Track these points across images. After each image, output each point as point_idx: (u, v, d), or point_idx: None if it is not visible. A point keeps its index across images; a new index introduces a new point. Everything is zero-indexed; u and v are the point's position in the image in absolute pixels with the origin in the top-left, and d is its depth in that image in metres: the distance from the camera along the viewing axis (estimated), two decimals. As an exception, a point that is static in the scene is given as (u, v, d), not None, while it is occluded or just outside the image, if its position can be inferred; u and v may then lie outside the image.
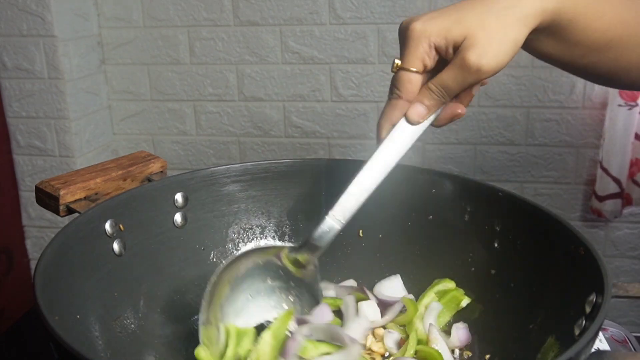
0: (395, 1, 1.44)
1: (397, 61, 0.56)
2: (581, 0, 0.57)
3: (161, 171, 0.74)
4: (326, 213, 0.58)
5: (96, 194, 0.67)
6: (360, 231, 0.73)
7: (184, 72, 1.59)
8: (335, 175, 0.73)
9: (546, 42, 0.59)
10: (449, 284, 0.67)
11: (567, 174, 1.50)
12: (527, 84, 1.44)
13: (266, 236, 0.74)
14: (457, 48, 0.54)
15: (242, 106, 1.59)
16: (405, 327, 0.65)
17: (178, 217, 0.68)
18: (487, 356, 0.61)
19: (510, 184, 1.51)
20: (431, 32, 0.54)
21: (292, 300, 0.63)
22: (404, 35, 0.56)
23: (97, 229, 0.60)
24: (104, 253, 0.61)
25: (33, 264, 1.66)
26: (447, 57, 0.55)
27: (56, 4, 1.43)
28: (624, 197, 1.43)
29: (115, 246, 0.62)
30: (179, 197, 0.68)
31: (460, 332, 0.63)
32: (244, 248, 0.73)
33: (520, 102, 1.46)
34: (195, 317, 0.67)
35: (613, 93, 1.36)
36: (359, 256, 0.73)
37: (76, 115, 1.53)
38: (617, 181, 1.40)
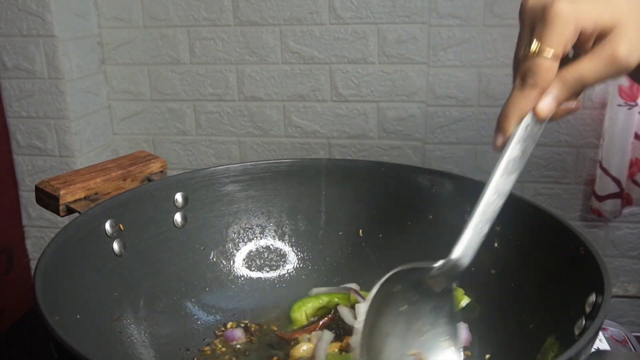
0: (395, 1, 1.44)
1: (536, 44, 0.49)
2: None
3: (161, 171, 0.74)
4: (464, 228, 0.51)
5: (96, 194, 0.67)
6: (361, 231, 0.73)
7: (184, 72, 1.59)
8: (335, 175, 0.73)
9: None
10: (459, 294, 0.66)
11: (567, 174, 1.50)
12: (527, 84, 1.44)
13: (266, 236, 0.74)
14: (602, 36, 0.49)
15: (242, 106, 1.59)
16: None
17: (178, 217, 0.69)
18: (487, 356, 0.61)
19: (510, 184, 1.51)
20: (581, 14, 0.48)
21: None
22: (546, 16, 0.48)
23: (97, 229, 0.60)
24: (104, 253, 0.61)
25: (33, 264, 1.66)
26: (584, 45, 0.50)
27: (56, 4, 1.43)
28: (624, 197, 1.43)
29: (115, 246, 0.62)
30: (179, 197, 0.68)
31: (460, 333, 0.63)
32: (245, 249, 0.73)
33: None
34: (195, 316, 0.68)
35: (613, 93, 1.36)
36: (359, 256, 0.73)
37: (76, 115, 1.53)
38: (616, 181, 1.40)
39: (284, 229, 0.74)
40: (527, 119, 0.51)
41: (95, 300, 0.58)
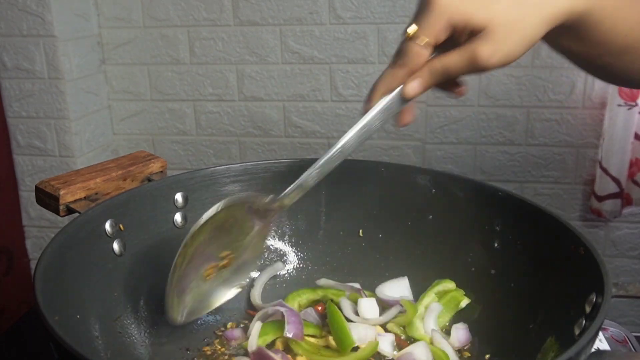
0: (395, 1, 1.44)
1: (412, 28, 0.53)
2: (609, 4, 0.54)
3: (161, 171, 0.74)
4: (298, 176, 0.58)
5: (96, 194, 0.67)
6: (361, 231, 0.73)
7: (184, 72, 1.59)
8: (335, 175, 0.73)
9: (567, 40, 0.57)
10: (449, 285, 0.67)
11: (567, 174, 1.50)
12: (527, 84, 1.44)
13: (266, 236, 0.74)
14: (473, 33, 0.52)
15: (242, 106, 1.59)
16: (405, 328, 0.66)
17: (178, 217, 0.68)
18: (487, 356, 0.61)
19: (510, 184, 1.51)
20: (455, 10, 0.51)
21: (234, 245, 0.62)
22: (427, 5, 0.52)
23: (97, 229, 0.60)
24: (104, 253, 0.61)
25: (33, 264, 1.66)
26: (456, 39, 0.53)
27: (56, 4, 1.43)
28: (624, 197, 1.43)
29: (115, 246, 0.62)
30: (179, 197, 0.68)
31: (460, 333, 0.63)
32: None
33: (520, 102, 1.46)
34: (195, 316, 0.68)
35: (613, 93, 1.36)
36: (359, 256, 0.73)
37: (76, 115, 1.53)
38: (616, 181, 1.40)
39: (284, 229, 0.74)
40: (393, 95, 0.55)
41: (95, 301, 0.58)
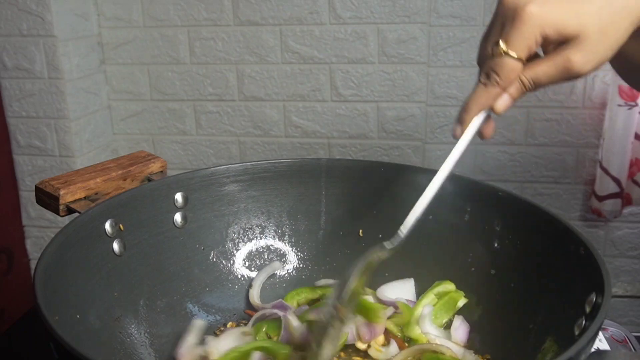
0: (395, 1, 1.44)
1: (503, 45, 0.51)
2: None
3: (161, 171, 0.74)
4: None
5: (96, 194, 0.67)
6: (361, 231, 0.73)
7: (184, 72, 1.59)
8: (335, 175, 0.73)
9: (631, 43, 0.55)
10: (449, 286, 0.67)
11: (567, 174, 1.50)
12: (527, 84, 1.44)
13: (266, 236, 0.74)
14: (563, 41, 0.50)
15: (242, 106, 1.59)
16: (402, 329, 0.65)
17: (178, 217, 0.69)
18: (487, 356, 0.61)
19: (510, 184, 1.51)
20: (548, 21, 0.49)
21: None
22: (515, 17, 0.50)
23: (97, 229, 0.60)
24: (104, 253, 0.61)
25: (33, 264, 1.66)
26: (544, 49, 0.52)
27: (56, 4, 1.43)
28: (624, 197, 1.43)
29: (115, 246, 0.62)
30: (179, 197, 0.68)
31: (459, 330, 0.63)
32: (245, 249, 0.73)
33: (520, 101, 1.45)
34: (195, 316, 0.68)
35: (613, 93, 1.36)
36: (359, 256, 0.73)
37: (76, 115, 1.53)
38: (616, 181, 1.40)
39: (284, 229, 0.74)
40: (484, 113, 0.54)
41: (95, 300, 0.58)
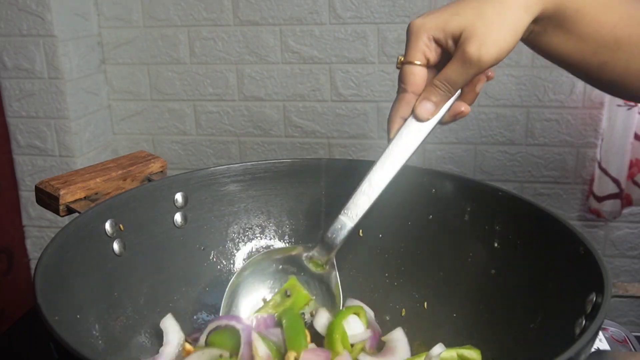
0: (395, 1, 1.44)
1: (401, 56, 0.57)
2: None
3: (161, 171, 0.74)
4: (339, 212, 0.60)
5: (96, 194, 0.67)
6: (361, 231, 0.73)
7: (184, 72, 1.59)
8: (335, 175, 0.73)
9: (555, 36, 0.59)
10: (475, 355, 0.59)
11: (567, 174, 1.50)
12: (527, 84, 1.44)
13: (266, 236, 0.74)
14: (457, 41, 0.55)
15: (242, 106, 1.59)
16: None
17: (178, 217, 0.68)
18: (487, 356, 0.61)
19: (510, 184, 1.51)
20: (429, 26, 0.56)
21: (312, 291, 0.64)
22: (407, 33, 0.58)
23: (97, 229, 0.60)
24: (104, 253, 0.61)
25: (33, 264, 1.66)
26: (449, 51, 0.56)
27: (56, 4, 1.43)
28: (624, 198, 1.43)
29: (115, 246, 0.62)
30: (179, 197, 0.68)
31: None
32: (245, 249, 0.73)
33: (520, 102, 1.46)
34: (195, 316, 0.68)
35: (613, 93, 1.36)
36: (359, 256, 0.73)
37: (76, 115, 1.53)
38: (616, 181, 1.40)
39: (284, 229, 0.74)
40: (412, 121, 0.58)
41: (95, 301, 0.58)
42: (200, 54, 1.56)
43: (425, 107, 0.57)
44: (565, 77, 1.42)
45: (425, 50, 0.56)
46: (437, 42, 0.56)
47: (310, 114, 1.56)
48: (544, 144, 1.48)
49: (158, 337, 0.63)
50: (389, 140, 0.59)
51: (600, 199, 1.43)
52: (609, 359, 0.49)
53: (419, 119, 0.58)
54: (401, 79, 0.58)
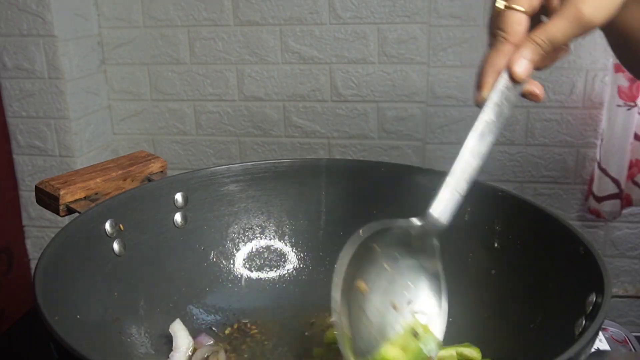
0: (395, 1, 1.44)
1: (501, 2, 0.50)
2: None
3: (161, 171, 0.74)
4: (440, 186, 0.53)
5: (96, 194, 0.67)
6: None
7: (184, 72, 1.59)
8: (335, 175, 0.73)
9: (632, 10, 0.56)
10: (475, 353, 0.60)
11: (567, 174, 1.50)
12: (527, 84, 1.44)
13: (266, 236, 0.74)
14: None
15: (242, 106, 1.59)
16: None
17: (178, 217, 0.68)
18: (487, 357, 0.61)
19: (510, 184, 1.51)
20: None
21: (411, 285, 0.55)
22: None
23: (97, 229, 0.60)
24: (104, 253, 0.61)
25: (33, 264, 1.66)
26: (549, 4, 0.51)
27: (56, 4, 1.43)
28: (623, 198, 1.43)
29: (115, 246, 0.62)
30: (179, 197, 0.68)
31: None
32: (245, 249, 0.72)
33: (520, 102, 1.46)
34: (195, 316, 0.68)
35: (612, 94, 1.36)
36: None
37: (76, 115, 1.53)
38: (615, 182, 1.40)
39: (284, 229, 0.74)
40: (504, 81, 0.51)
41: (95, 300, 0.58)
42: (200, 54, 1.56)
43: (523, 64, 0.51)
44: (565, 77, 1.42)
45: None
46: None
47: (310, 114, 1.56)
48: (544, 144, 1.48)
49: (158, 337, 0.63)
50: (482, 100, 0.52)
51: (600, 199, 1.43)
52: (609, 359, 0.49)
53: (515, 77, 0.51)
54: (502, 27, 0.50)
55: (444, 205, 0.53)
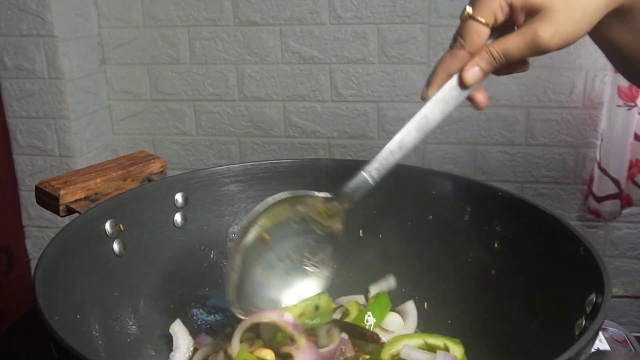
0: (395, 1, 1.44)
1: (469, 9, 0.52)
2: None
3: (161, 171, 0.74)
4: (361, 169, 0.57)
5: (96, 194, 0.67)
6: (361, 231, 0.73)
7: (184, 72, 1.59)
8: (335, 175, 0.73)
9: (616, 29, 0.57)
10: (458, 350, 0.61)
11: (567, 174, 1.50)
12: (527, 84, 1.44)
13: (266, 236, 0.74)
14: (531, 15, 0.51)
15: (242, 106, 1.59)
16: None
17: (178, 217, 0.68)
18: (487, 356, 0.61)
19: (510, 184, 1.51)
20: None
21: (313, 244, 0.62)
22: None
23: (97, 229, 0.60)
24: (104, 253, 0.61)
25: (33, 264, 1.66)
26: (515, 20, 0.52)
27: (56, 4, 1.43)
28: (623, 198, 1.43)
29: (115, 246, 0.62)
30: (179, 197, 0.68)
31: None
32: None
33: (520, 102, 1.46)
34: (195, 316, 0.68)
35: (612, 94, 1.36)
36: (359, 256, 0.73)
37: (76, 115, 1.53)
38: (615, 182, 1.40)
39: (284, 229, 0.74)
40: (453, 82, 0.54)
41: (95, 300, 0.58)
42: (200, 54, 1.56)
43: (474, 72, 0.53)
44: (565, 77, 1.42)
45: (497, 11, 0.51)
46: (512, 7, 0.51)
47: (310, 114, 1.56)
48: (544, 144, 1.48)
49: (158, 337, 0.63)
50: (427, 97, 0.54)
51: (600, 199, 1.43)
52: (609, 359, 0.49)
53: (464, 82, 0.53)
54: (462, 35, 0.53)
55: (356, 185, 0.57)
